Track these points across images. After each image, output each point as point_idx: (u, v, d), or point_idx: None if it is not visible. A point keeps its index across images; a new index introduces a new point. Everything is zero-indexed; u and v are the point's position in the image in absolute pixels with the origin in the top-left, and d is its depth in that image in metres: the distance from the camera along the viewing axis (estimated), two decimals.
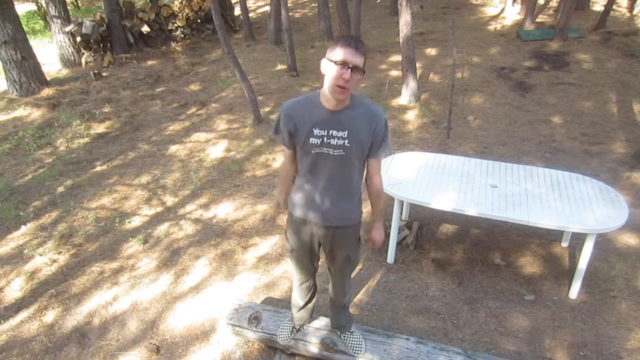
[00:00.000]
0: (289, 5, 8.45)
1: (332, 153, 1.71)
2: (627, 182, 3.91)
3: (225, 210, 3.89)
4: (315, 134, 1.70)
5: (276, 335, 2.39)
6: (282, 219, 2.00)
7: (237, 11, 10.01)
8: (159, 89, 6.97)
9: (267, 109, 5.91)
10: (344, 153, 1.71)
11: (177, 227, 3.68)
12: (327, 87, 1.62)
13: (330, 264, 2.09)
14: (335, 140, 1.69)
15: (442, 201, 2.67)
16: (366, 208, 3.71)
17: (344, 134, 1.68)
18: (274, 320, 2.47)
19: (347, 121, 1.68)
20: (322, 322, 2.45)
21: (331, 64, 1.57)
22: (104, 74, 7.52)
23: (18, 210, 4.04)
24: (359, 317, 2.69)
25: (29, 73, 6.60)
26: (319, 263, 2.19)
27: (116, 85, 7.05)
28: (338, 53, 1.55)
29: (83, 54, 8.05)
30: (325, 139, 1.70)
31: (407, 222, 3.46)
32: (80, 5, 13.53)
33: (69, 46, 7.87)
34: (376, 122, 1.70)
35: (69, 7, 9.09)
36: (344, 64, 1.53)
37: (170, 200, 4.09)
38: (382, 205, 1.99)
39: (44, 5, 8.77)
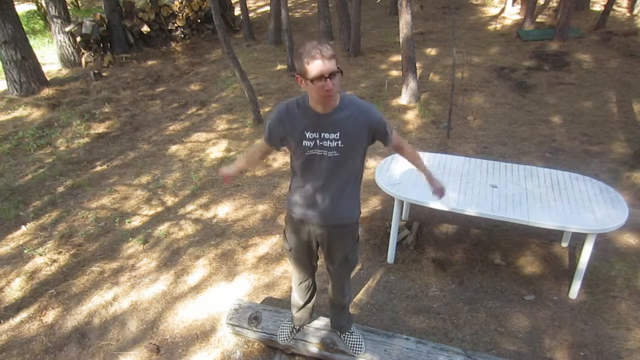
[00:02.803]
0: (289, 5, 8.44)
1: (326, 154, 1.72)
2: (627, 182, 3.91)
3: (225, 210, 3.89)
4: (307, 137, 1.70)
5: (276, 335, 2.39)
6: (229, 178, 2.08)
7: (237, 11, 10.00)
8: (159, 89, 6.97)
9: (267, 109, 5.91)
10: (338, 154, 1.71)
11: (177, 227, 3.68)
12: (313, 100, 1.63)
13: (329, 264, 2.09)
14: (328, 142, 1.69)
15: (442, 201, 2.67)
16: (365, 208, 3.73)
17: (337, 136, 1.68)
18: (274, 320, 2.47)
19: (339, 123, 1.67)
20: (322, 322, 2.45)
21: (308, 82, 1.54)
22: (104, 74, 7.52)
23: (18, 210, 4.04)
24: (359, 317, 2.69)
25: (29, 73, 6.59)
26: (319, 263, 2.20)
27: (116, 85, 7.05)
28: (311, 69, 1.50)
29: (83, 54, 8.04)
30: (317, 141, 1.70)
31: (407, 222, 3.45)
32: (80, 5, 13.52)
33: (69, 46, 7.86)
34: (370, 119, 1.70)
35: (69, 7, 9.08)
36: (320, 77, 1.50)
37: (170, 200, 4.09)
38: (422, 163, 2.03)
39: (44, 5, 8.77)
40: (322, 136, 1.69)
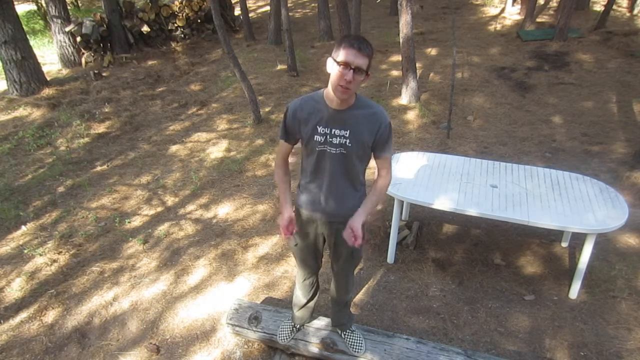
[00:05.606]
0: (289, 5, 8.44)
1: (333, 151, 1.74)
2: (627, 182, 3.91)
3: (225, 210, 3.88)
4: (319, 131, 1.73)
5: (276, 335, 2.39)
6: (286, 224, 1.85)
7: (237, 11, 10.00)
8: (159, 89, 6.97)
9: (267, 109, 5.91)
10: (345, 152, 1.74)
11: (177, 227, 3.68)
12: (331, 86, 1.65)
13: (334, 261, 2.10)
14: (337, 138, 1.72)
15: (442, 201, 2.67)
16: None
17: (346, 133, 1.71)
18: (274, 320, 2.47)
19: (350, 121, 1.71)
20: (322, 322, 2.45)
21: (335, 63, 1.59)
22: (104, 74, 7.52)
23: (18, 210, 4.03)
24: (359, 317, 2.69)
25: (29, 73, 6.59)
26: (322, 261, 2.20)
27: (116, 85, 7.05)
28: (341, 54, 1.56)
29: (83, 54, 8.04)
30: (328, 137, 1.73)
31: (407, 222, 3.45)
32: (80, 5, 13.51)
33: (69, 46, 7.86)
34: (379, 123, 1.72)
35: (69, 7, 9.07)
36: (346, 65, 1.55)
37: (170, 200, 4.09)
38: (374, 202, 1.84)
39: (44, 5, 8.76)
40: (332, 132, 1.72)
